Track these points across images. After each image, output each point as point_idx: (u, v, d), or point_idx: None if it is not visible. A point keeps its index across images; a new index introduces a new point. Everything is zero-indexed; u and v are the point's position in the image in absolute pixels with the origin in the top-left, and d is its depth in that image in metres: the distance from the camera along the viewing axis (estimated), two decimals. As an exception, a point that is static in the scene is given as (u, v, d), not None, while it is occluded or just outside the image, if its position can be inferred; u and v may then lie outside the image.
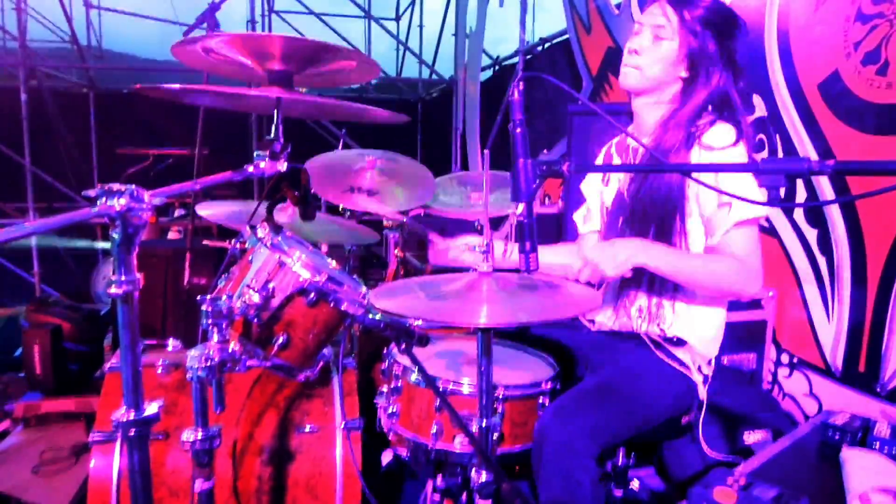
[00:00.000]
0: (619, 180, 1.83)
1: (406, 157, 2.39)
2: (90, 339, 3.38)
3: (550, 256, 1.93)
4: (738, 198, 1.20)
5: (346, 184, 2.36)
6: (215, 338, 1.23)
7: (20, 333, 3.19)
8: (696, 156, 1.61)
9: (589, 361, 1.82)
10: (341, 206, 2.88)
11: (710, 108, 1.65)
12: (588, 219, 1.98)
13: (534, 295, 1.34)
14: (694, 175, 1.49)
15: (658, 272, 1.58)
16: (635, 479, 1.80)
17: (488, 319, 1.19)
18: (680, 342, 1.67)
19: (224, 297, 1.29)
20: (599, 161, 1.98)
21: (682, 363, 1.66)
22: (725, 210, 1.56)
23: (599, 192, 1.94)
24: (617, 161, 1.89)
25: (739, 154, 1.59)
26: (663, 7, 1.66)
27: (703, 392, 1.69)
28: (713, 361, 1.73)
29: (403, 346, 1.35)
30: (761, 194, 1.59)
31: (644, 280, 1.70)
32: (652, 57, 1.67)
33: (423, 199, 2.44)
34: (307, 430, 1.67)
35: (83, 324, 3.33)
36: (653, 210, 1.65)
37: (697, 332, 1.68)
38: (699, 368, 1.69)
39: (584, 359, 1.86)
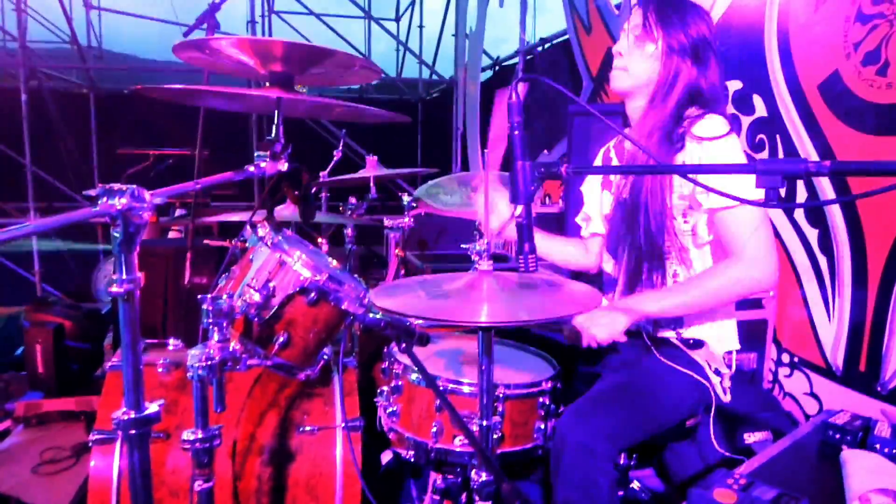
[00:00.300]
0: (617, 186, 1.84)
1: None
2: (91, 337, 3.38)
3: (551, 246, 1.98)
4: (726, 195, 1.08)
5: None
6: (216, 337, 1.23)
7: (20, 333, 3.20)
8: (689, 148, 1.60)
9: (599, 364, 1.82)
10: (341, 206, 2.88)
11: (695, 103, 1.66)
12: (588, 222, 1.99)
13: (534, 294, 1.34)
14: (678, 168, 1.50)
15: (667, 316, 1.63)
16: (636, 480, 1.80)
17: (489, 318, 1.19)
18: (697, 344, 1.67)
19: (225, 297, 1.28)
20: (597, 164, 1.99)
21: (698, 365, 1.66)
22: (705, 195, 1.57)
23: (598, 196, 1.94)
24: (615, 164, 1.89)
25: (732, 145, 1.58)
26: (640, 10, 1.71)
27: (721, 392, 1.69)
28: (733, 358, 1.73)
29: (404, 345, 1.35)
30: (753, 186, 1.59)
31: (655, 283, 1.70)
32: (635, 56, 1.71)
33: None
34: (307, 429, 1.67)
35: (84, 321, 3.34)
36: (644, 213, 1.65)
37: (715, 330, 1.69)
38: (716, 370, 1.69)
39: (586, 359, 1.86)
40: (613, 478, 1.45)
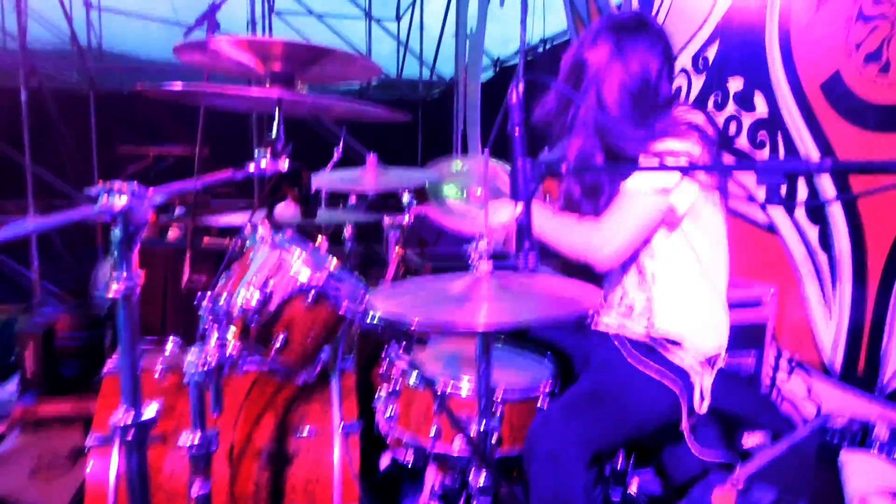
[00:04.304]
0: None
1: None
2: (88, 326, 3.36)
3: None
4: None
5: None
6: (214, 338, 1.23)
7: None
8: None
9: (586, 364, 1.81)
10: (341, 205, 2.88)
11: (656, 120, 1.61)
12: None
13: (534, 294, 1.33)
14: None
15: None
16: (634, 482, 1.79)
17: (488, 319, 1.18)
18: (673, 343, 1.66)
19: (224, 296, 1.28)
20: None
21: (674, 367, 1.65)
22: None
23: None
24: None
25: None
26: None
27: (697, 397, 1.66)
28: (721, 358, 1.71)
29: (402, 347, 1.35)
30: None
31: (632, 278, 1.70)
32: None
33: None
34: (305, 433, 1.66)
35: (77, 312, 3.33)
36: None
37: (690, 326, 1.66)
38: (700, 366, 1.67)
39: (582, 361, 1.86)
40: (586, 481, 1.45)
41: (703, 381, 1.66)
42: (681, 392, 1.63)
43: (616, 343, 1.69)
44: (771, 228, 2.65)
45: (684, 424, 1.63)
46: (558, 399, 1.58)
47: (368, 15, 8.73)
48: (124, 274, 1.03)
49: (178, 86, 1.40)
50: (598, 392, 1.59)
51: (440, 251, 4.09)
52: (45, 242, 5.32)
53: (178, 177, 1.32)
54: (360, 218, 2.73)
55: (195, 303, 1.26)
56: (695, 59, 3.04)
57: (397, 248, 2.94)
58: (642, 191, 1.55)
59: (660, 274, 1.68)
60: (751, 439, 2.05)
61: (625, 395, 1.59)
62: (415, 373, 1.63)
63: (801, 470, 1.56)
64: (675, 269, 1.67)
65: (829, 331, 2.42)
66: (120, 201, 0.99)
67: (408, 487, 2.03)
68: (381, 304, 1.26)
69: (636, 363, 1.64)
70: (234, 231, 1.69)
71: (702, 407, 1.65)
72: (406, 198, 2.84)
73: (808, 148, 2.47)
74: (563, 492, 1.41)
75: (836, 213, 2.38)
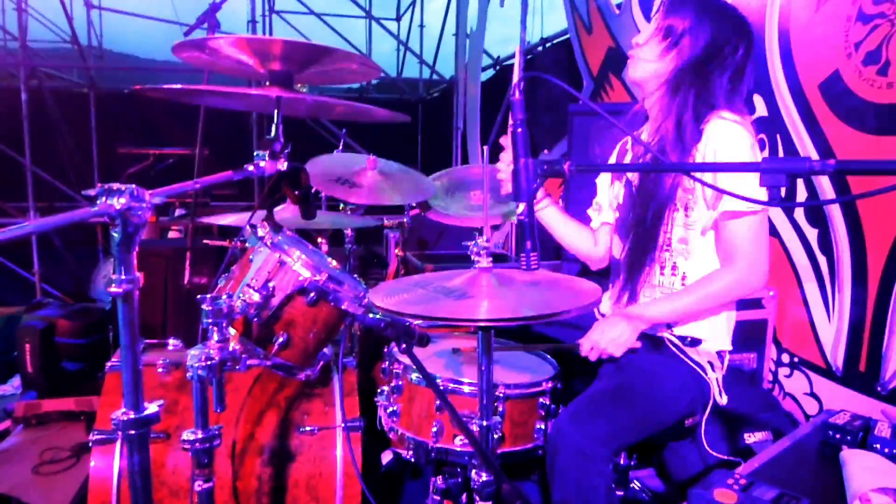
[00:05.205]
0: (627, 177, 1.83)
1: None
2: (87, 332, 3.37)
3: (566, 229, 1.98)
4: (731, 194, 1.12)
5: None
6: (215, 337, 1.23)
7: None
8: (701, 155, 1.59)
9: (594, 361, 1.82)
10: (341, 205, 2.88)
11: (708, 102, 1.62)
12: (599, 212, 1.99)
13: (535, 290, 1.34)
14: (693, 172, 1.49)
15: (670, 321, 1.65)
16: (636, 480, 1.80)
17: (489, 315, 1.18)
18: (694, 342, 1.67)
19: (224, 297, 1.28)
20: (613, 158, 1.98)
21: (696, 364, 1.66)
22: (721, 201, 1.56)
23: (609, 187, 1.94)
24: (629, 158, 1.89)
25: (740, 149, 1.56)
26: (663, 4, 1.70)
27: (716, 391, 1.68)
28: (726, 358, 1.73)
29: (404, 345, 1.35)
30: (760, 191, 1.57)
31: (650, 281, 1.70)
32: (648, 47, 1.69)
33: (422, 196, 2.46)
34: (307, 429, 1.67)
35: (77, 317, 3.33)
36: (647, 207, 1.67)
37: (709, 327, 1.68)
38: (713, 367, 1.68)
39: (586, 357, 1.86)
40: (610, 479, 1.45)
41: (717, 376, 1.68)
42: (701, 387, 1.64)
43: (641, 340, 1.69)
44: (771, 230, 2.65)
45: (692, 421, 1.64)
46: (581, 396, 1.59)
47: (368, 14, 8.74)
48: (124, 275, 1.03)
49: (176, 86, 1.40)
50: (623, 388, 1.60)
51: (440, 252, 4.10)
52: (46, 243, 5.33)
53: (178, 177, 1.32)
54: (359, 223, 2.73)
55: (197, 300, 1.27)
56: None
57: (397, 249, 2.94)
58: (749, 211, 1.54)
59: (691, 274, 1.68)
60: (753, 437, 2.06)
61: (651, 390, 1.60)
62: (416, 370, 1.63)
63: (803, 468, 1.56)
64: (705, 271, 1.67)
65: (830, 331, 2.43)
66: (119, 202, 0.99)
67: (409, 484, 2.03)
68: (382, 301, 1.26)
69: (661, 361, 1.65)
70: (234, 232, 1.70)
71: (721, 399, 1.68)
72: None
73: (808, 148, 2.47)
74: (588, 489, 1.42)
75: (836, 215, 2.38)
